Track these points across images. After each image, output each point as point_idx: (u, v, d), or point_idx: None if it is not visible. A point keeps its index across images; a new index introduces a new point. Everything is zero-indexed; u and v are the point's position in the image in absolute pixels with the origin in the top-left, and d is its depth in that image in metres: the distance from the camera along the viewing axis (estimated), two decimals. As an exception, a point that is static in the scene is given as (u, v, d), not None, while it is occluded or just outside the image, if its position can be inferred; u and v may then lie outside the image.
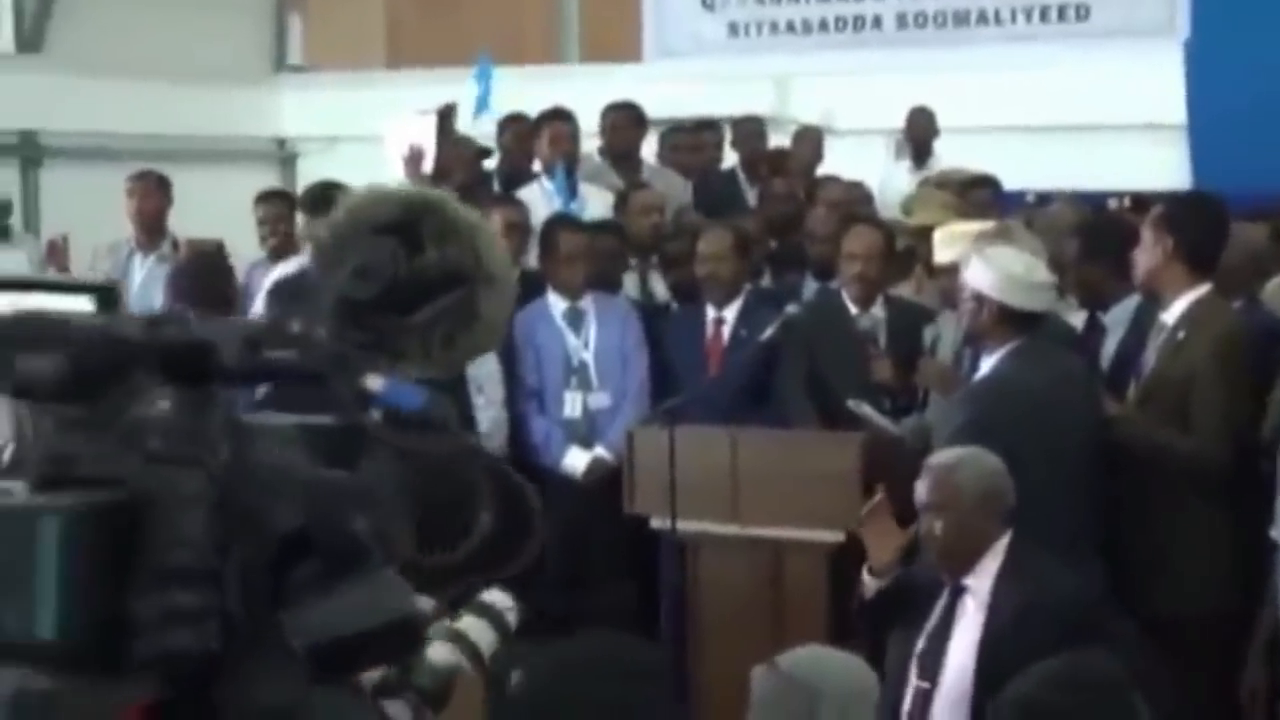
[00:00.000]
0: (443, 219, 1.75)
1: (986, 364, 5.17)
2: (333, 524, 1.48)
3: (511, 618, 2.30)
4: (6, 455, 1.60)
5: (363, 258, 1.67)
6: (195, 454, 1.46)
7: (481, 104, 9.27)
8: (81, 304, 1.67)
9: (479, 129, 9.07)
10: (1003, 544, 4.43)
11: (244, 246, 8.42)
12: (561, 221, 7.05)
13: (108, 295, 1.68)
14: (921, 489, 4.51)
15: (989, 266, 5.06)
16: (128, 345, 1.49)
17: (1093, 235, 5.93)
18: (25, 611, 1.43)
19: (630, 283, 7.43)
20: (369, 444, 1.53)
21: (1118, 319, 5.68)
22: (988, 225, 5.83)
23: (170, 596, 1.43)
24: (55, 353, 1.46)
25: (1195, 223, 5.35)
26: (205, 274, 6.18)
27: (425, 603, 1.60)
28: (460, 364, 1.76)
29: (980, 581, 4.41)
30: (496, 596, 2.31)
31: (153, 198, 8.21)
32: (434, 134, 7.62)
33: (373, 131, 8.52)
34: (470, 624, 2.28)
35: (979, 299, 5.09)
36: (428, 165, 7.51)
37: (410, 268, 1.69)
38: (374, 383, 1.53)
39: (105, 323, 1.53)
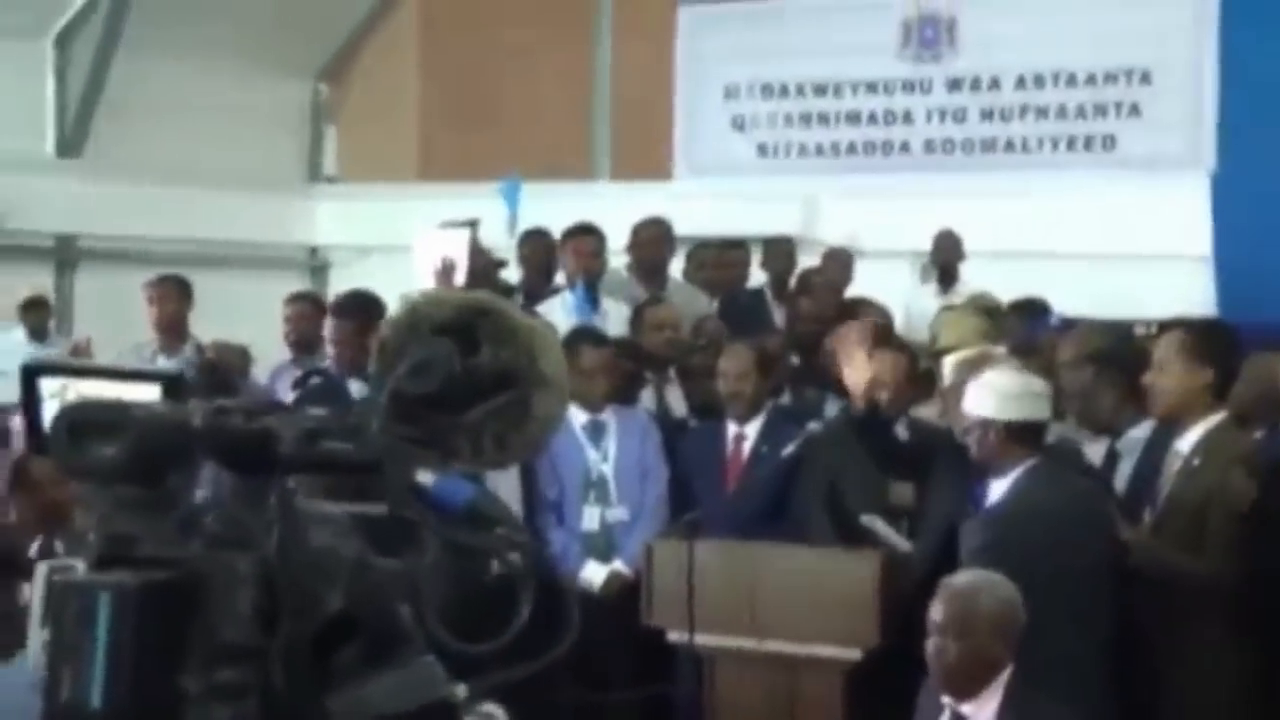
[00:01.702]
0: (498, 322, 1.81)
1: (999, 487, 5.18)
2: (376, 609, 1.55)
3: None
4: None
5: (420, 356, 1.73)
6: (248, 537, 1.53)
7: (514, 221, 9.40)
8: (150, 392, 1.75)
9: (512, 245, 9.20)
10: (1005, 675, 4.39)
11: (275, 351, 8.51)
12: (583, 335, 7.11)
13: (174, 384, 1.75)
14: (937, 610, 4.45)
15: (983, 391, 5.14)
16: (188, 432, 1.57)
17: (1105, 362, 5.95)
18: (80, 681, 1.50)
19: (646, 397, 7.46)
20: (419, 535, 1.59)
21: (1130, 445, 5.68)
22: (970, 353, 5.93)
23: (215, 672, 1.50)
24: (119, 437, 1.54)
25: (1229, 355, 5.36)
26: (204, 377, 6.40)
27: (460, 689, 1.64)
28: (511, 462, 1.81)
29: (980, 714, 4.39)
30: (490, 708, 2.36)
31: (172, 302, 8.30)
32: (466, 247, 7.73)
33: (404, 242, 8.64)
34: None
35: (983, 425, 5.14)
36: (460, 277, 7.61)
37: (465, 367, 1.75)
38: (424, 476, 1.60)
39: (168, 410, 1.61)
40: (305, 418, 1.62)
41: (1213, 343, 5.38)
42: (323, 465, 1.60)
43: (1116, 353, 6.14)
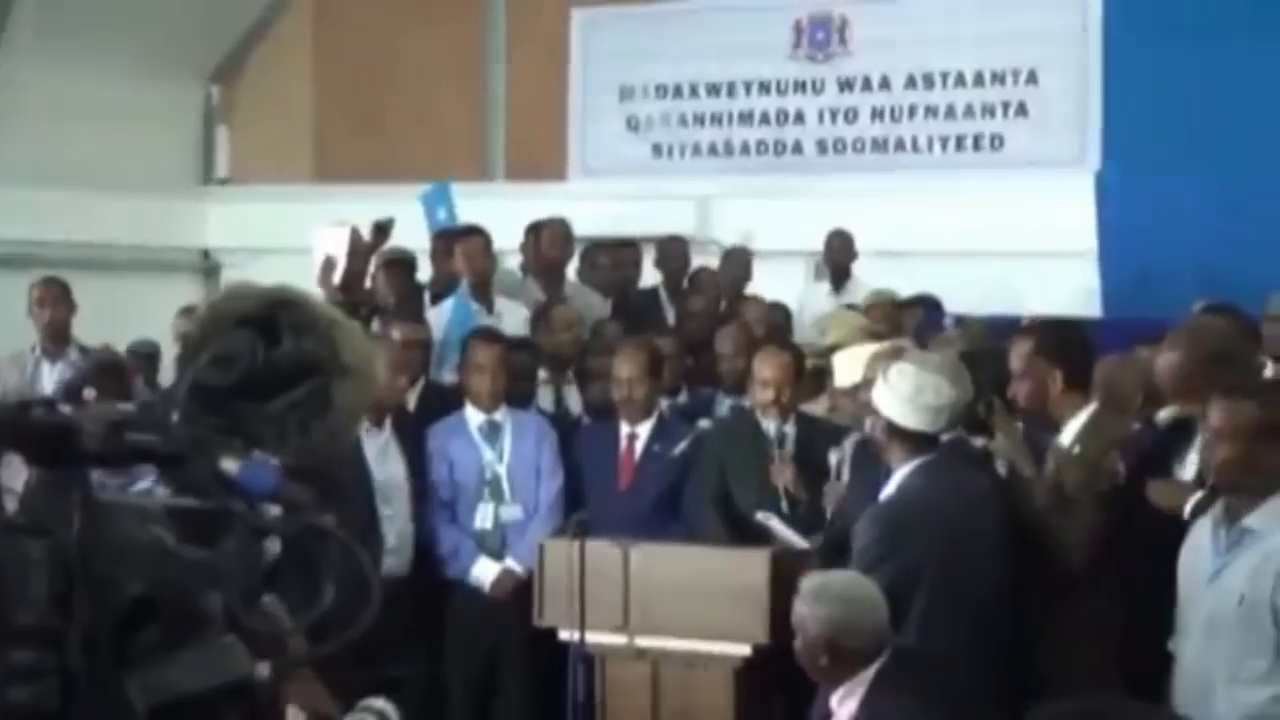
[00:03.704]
0: (299, 314, 1.85)
1: (893, 480, 5.26)
2: (176, 593, 1.59)
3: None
4: None
5: (220, 347, 1.76)
6: (44, 524, 1.55)
7: (450, 219, 9.41)
8: None
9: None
10: (870, 672, 4.45)
11: (167, 355, 8.46)
12: (477, 334, 7.14)
13: None
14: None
15: (886, 385, 5.20)
16: None
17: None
18: None
19: (545, 397, 7.49)
20: (229, 522, 1.62)
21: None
22: (883, 346, 5.98)
23: (10, 655, 1.52)
24: None
25: (1075, 350, 5.49)
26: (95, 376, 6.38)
27: (263, 668, 1.68)
28: (316, 449, 1.85)
29: (844, 707, 4.46)
30: (381, 703, 2.41)
31: (61, 304, 8.24)
32: (346, 246, 7.75)
33: (298, 244, 8.60)
34: None
35: (876, 416, 5.22)
36: (338, 276, 7.62)
37: (266, 358, 1.78)
38: (229, 465, 1.63)
39: None
40: (111, 410, 1.65)
41: (1055, 342, 5.50)
42: (128, 457, 1.64)
43: (973, 361, 6.14)
